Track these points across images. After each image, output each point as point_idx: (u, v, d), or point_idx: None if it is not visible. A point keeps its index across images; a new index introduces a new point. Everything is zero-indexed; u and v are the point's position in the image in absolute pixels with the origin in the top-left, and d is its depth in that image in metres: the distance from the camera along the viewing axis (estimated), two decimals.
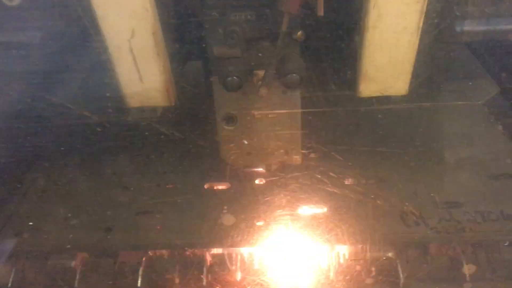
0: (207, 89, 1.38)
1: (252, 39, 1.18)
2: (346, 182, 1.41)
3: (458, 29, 1.45)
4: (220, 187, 1.45)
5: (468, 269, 1.23)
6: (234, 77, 1.15)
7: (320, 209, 1.34)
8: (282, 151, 1.38)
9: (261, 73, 1.20)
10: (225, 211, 1.34)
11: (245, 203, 1.37)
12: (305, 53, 1.21)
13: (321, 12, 1.00)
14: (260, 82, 1.18)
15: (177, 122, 1.43)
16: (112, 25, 1.10)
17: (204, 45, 1.26)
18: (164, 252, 1.28)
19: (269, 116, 1.32)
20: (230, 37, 1.14)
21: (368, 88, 1.21)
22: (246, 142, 1.38)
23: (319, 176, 1.40)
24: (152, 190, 1.43)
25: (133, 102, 1.26)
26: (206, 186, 1.44)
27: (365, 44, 1.13)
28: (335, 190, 1.38)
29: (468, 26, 1.48)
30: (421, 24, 1.08)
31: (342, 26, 1.22)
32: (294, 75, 1.13)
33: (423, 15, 1.07)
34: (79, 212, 1.37)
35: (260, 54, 1.19)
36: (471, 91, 1.36)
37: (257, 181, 1.44)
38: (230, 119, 1.33)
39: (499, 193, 1.38)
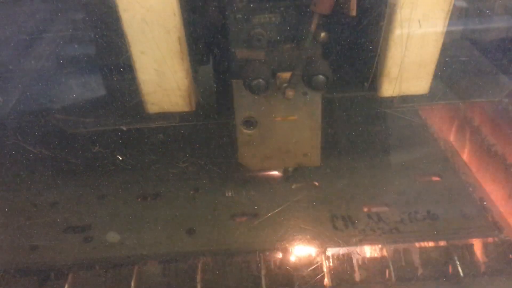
0: (222, 92, 1.38)
1: (275, 41, 1.17)
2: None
3: None
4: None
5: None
6: (260, 80, 1.13)
7: None
8: (301, 154, 1.38)
9: (284, 75, 1.19)
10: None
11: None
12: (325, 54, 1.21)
13: (354, 13, 1.01)
14: (285, 85, 1.17)
15: None
16: (138, 30, 1.07)
17: (223, 48, 1.25)
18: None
19: (289, 118, 1.31)
20: (256, 39, 1.13)
21: (390, 88, 1.22)
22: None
23: None
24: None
25: (153, 108, 1.24)
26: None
27: (390, 44, 1.14)
28: None
29: None
30: (447, 24, 1.10)
31: (363, 27, 1.22)
32: (320, 76, 1.13)
33: (449, 15, 1.08)
34: None
35: (284, 56, 1.18)
36: (487, 89, 1.39)
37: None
38: (249, 122, 1.31)
39: (426, 193, 1.44)
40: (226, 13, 1.14)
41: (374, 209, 1.40)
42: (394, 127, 1.64)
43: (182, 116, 1.30)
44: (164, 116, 1.27)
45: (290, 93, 1.15)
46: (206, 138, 1.61)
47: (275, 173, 1.52)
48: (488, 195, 1.50)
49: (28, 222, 1.40)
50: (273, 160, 1.39)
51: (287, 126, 1.32)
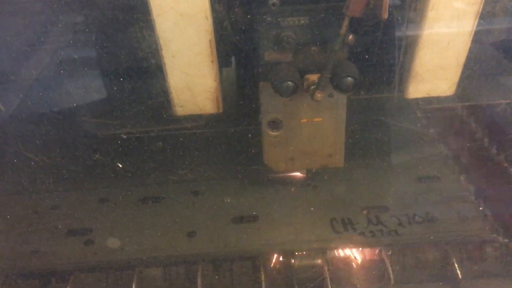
0: (245, 95, 1.39)
1: (303, 44, 1.19)
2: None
3: None
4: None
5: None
6: (289, 82, 1.14)
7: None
8: (325, 155, 1.39)
9: (312, 77, 1.20)
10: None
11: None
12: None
13: (386, 15, 1.01)
14: (313, 87, 1.18)
15: None
16: (171, 34, 1.08)
17: (249, 50, 1.26)
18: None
19: (314, 120, 1.32)
20: (286, 42, 1.14)
21: (417, 89, 1.23)
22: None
23: None
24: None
25: (182, 110, 1.25)
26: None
27: (418, 46, 1.15)
28: None
29: None
30: (475, 26, 1.11)
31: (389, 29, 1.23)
32: (349, 78, 1.14)
33: (478, 16, 1.10)
34: None
35: (312, 58, 1.19)
36: (504, 90, 1.40)
37: None
38: (275, 124, 1.33)
39: (425, 195, 1.45)
40: (256, 16, 1.15)
41: (373, 212, 1.41)
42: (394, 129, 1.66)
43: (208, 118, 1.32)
44: (191, 118, 1.28)
45: (318, 95, 1.16)
46: (211, 141, 1.62)
47: (277, 175, 1.53)
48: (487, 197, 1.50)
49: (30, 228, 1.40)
50: (298, 161, 1.40)
51: (312, 127, 1.33)
